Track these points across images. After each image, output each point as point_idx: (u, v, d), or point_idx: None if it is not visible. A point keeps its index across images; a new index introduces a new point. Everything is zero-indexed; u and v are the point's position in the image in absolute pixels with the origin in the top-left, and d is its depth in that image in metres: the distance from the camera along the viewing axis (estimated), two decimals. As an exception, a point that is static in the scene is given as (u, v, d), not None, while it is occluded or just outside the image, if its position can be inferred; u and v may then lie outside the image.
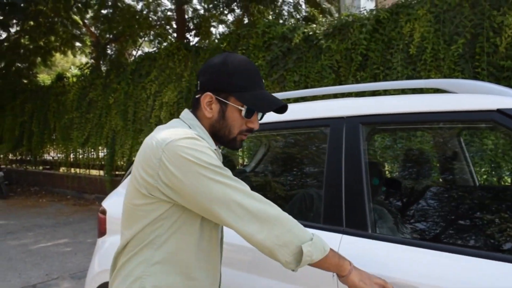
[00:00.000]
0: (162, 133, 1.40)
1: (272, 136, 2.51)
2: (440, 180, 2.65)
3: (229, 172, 1.38)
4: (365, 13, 6.64)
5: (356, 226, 1.74)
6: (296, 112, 2.13)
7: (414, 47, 5.77)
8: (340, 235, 1.75)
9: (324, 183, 1.87)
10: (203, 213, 1.38)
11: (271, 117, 2.19)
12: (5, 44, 13.81)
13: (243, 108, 1.46)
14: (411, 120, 1.79)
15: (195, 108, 1.54)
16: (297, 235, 1.35)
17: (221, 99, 1.47)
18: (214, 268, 1.55)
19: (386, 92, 4.71)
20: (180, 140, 1.35)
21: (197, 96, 1.52)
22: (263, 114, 1.55)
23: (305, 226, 1.85)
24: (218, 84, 1.47)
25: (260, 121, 2.21)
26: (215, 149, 1.47)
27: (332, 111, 1.98)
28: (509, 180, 4.61)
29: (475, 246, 1.96)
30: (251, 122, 1.51)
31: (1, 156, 16.64)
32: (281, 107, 1.51)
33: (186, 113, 1.55)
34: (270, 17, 10.78)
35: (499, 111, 1.57)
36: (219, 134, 1.51)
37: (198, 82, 1.53)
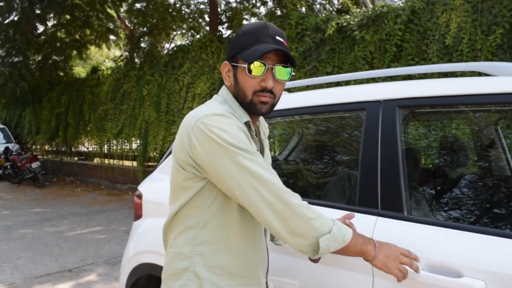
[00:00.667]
0: (196, 111, 1.45)
1: (308, 120, 2.51)
2: (476, 168, 2.60)
3: (254, 154, 1.35)
4: (400, 4, 6.54)
5: (392, 209, 1.73)
6: (332, 96, 2.13)
7: (450, 37, 5.67)
8: (375, 217, 1.75)
9: (360, 166, 1.87)
10: (227, 193, 1.40)
11: (307, 101, 2.21)
12: (42, 37, 14.13)
13: (245, 65, 1.43)
14: (449, 103, 1.77)
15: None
16: (315, 228, 1.32)
17: (232, 63, 1.49)
18: (261, 247, 1.56)
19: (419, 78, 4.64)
20: (206, 117, 1.37)
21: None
22: (289, 73, 1.49)
23: (342, 208, 1.87)
24: (230, 50, 1.50)
25: (296, 106, 2.24)
26: (247, 122, 1.48)
27: (368, 95, 1.97)
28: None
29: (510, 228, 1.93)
30: (263, 81, 1.44)
31: (38, 146, 17.10)
32: (290, 61, 1.47)
33: (222, 89, 1.57)
34: (303, 9, 10.72)
35: (541, 93, 1.54)
36: (239, 101, 1.50)
37: None
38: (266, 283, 1.61)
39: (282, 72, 1.46)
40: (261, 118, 1.67)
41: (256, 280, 1.53)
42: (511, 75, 1.73)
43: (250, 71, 1.42)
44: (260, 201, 1.32)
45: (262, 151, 1.61)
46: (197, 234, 1.46)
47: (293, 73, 1.51)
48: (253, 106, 1.47)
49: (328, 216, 1.38)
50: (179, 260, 1.48)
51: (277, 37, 1.45)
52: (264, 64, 1.41)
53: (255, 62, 1.41)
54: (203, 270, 1.44)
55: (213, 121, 1.36)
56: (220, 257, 1.45)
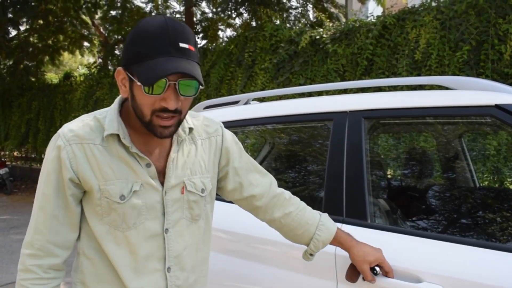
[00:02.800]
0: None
1: (276, 130, 2.57)
2: (439, 179, 2.70)
3: (47, 186, 1.30)
4: (372, 19, 6.70)
5: (356, 216, 1.79)
6: (300, 106, 2.19)
7: (420, 53, 5.82)
8: (340, 224, 1.80)
9: (326, 174, 1.93)
10: None
11: (275, 111, 2.26)
12: (14, 41, 13.92)
13: (140, 84, 1.17)
14: (412, 114, 1.85)
15: None
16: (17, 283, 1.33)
17: (128, 73, 1.22)
18: (147, 277, 1.42)
19: (388, 90, 4.76)
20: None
21: None
22: (197, 87, 1.23)
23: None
24: (124, 55, 1.22)
25: (265, 115, 2.28)
26: (112, 134, 1.27)
27: (335, 106, 2.03)
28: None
29: (471, 236, 2.01)
30: (163, 100, 1.19)
31: (7, 152, 16.75)
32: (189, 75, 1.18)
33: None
34: (278, 21, 10.84)
35: (497, 106, 1.63)
36: (138, 117, 1.25)
37: None
38: None
39: (187, 87, 1.21)
40: (201, 118, 1.50)
41: None
42: (469, 89, 1.81)
43: (146, 89, 1.17)
44: None
45: (164, 160, 1.37)
46: (80, 260, 1.38)
47: (201, 87, 1.24)
48: (152, 128, 1.23)
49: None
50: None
51: (181, 44, 1.19)
52: (165, 80, 1.16)
53: None
54: None
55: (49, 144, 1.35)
56: (100, 286, 1.35)
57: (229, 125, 2.11)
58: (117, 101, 1.34)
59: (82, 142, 1.27)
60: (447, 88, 1.91)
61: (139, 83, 1.17)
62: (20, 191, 13.00)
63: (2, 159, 14.70)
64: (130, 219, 1.30)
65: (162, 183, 1.34)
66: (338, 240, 1.59)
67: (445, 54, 5.63)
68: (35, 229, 1.31)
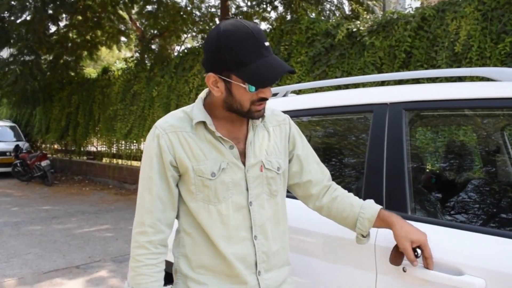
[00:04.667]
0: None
1: (317, 122, 2.56)
2: (480, 172, 2.64)
3: (144, 176, 1.53)
4: (411, 11, 6.59)
5: (396, 208, 1.78)
6: (339, 98, 2.18)
7: (460, 45, 5.69)
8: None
9: (366, 167, 1.92)
10: None
11: (314, 103, 2.26)
12: (54, 37, 14.27)
13: (245, 86, 1.41)
14: (454, 106, 1.82)
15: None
16: (128, 274, 1.54)
17: (223, 78, 1.43)
18: (241, 243, 1.58)
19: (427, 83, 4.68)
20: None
21: (204, 75, 1.56)
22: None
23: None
24: (215, 63, 1.42)
25: (304, 107, 2.29)
26: (200, 121, 1.50)
27: (376, 97, 2.02)
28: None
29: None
30: (262, 93, 1.45)
31: (48, 145, 17.26)
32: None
33: (202, 92, 1.61)
34: (313, 14, 10.78)
35: (544, 97, 1.58)
36: (233, 108, 1.48)
37: (202, 60, 1.52)
38: (258, 280, 1.55)
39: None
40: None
41: (237, 278, 1.52)
42: (515, 81, 1.77)
43: (251, 89, 1.41)
44: None
45: (243, 143, 1.57)
46: (180, 236, 1.58)
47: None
48: (250, 114, 1.48)
49: (142, 281, 1.48)
50: (174, 261, 1.60)
51: (266, 43, 1.42)
52: None
53: None
54: (187, 269, 1.54)
55: (149, 134, 1.56)
56: (199, 257, 1.53)
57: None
58: (200, 97, 1.58)
59: (176, 130, 1.51)
60: (490, 80, 1.87)
61: (243, 85, 1.40)
62: (61, 183, 13.39)
63: (44, 151, 15.14)
64: (221, 194, 1.50)
65: (244, 163, 1.54)
66: (382, 218, 1.61)
67: (487, 46, 5.49)
68: (145, 209, 1.51)
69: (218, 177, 1.49)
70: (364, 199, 1.86)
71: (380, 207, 1.64)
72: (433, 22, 6.13)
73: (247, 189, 1.54)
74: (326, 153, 2.57)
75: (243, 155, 1.55)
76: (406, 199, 1.77)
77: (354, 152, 2.43)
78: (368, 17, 7.29)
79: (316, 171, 1.73)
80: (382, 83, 5.07)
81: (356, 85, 4.21)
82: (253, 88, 1.40)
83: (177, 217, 1.59)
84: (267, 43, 1.41)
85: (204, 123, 1.51)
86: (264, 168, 1.57)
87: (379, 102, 1.97)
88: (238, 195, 1.52)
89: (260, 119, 1.58)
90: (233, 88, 1.44)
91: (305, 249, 2.00)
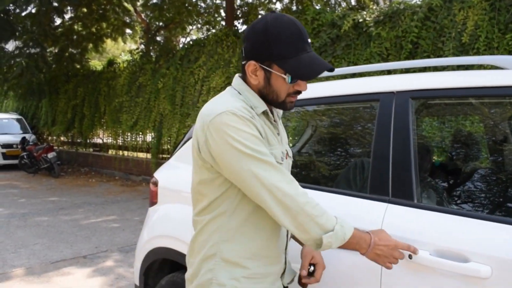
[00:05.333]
0: (209, 106, 1.53)
1: (323, 110, 2.56)
2: (486, 161, 2.64)
3: (263, 156, 1.41)
4: (417, 1, 6.54)
5: (402, 196, 1.78)
6: (345, 87, 2.18)
7: (467, 35, 5.66)
8: (385, 204, 1.80)
9: (372, 154, 1.92)
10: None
11: (320, 92, 2.26)
12: (60, 30, 14.29)
13: (286, 76, 1.47)
14: (461, 94, 1.81)
15: (243, 73, 1.57)
16: (320, 225, 1.40)
17: (264, 67, 1.49)
18: (280, 226, 1.62)
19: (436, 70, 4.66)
20: (220, 115, 1.42)
21: (242, 63, 1.56)
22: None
23: (353, 195, 1.92)
24: (260, 52, 1.48)
25: (310, 96, 2.29)
26: (265, 111, 1.54)
27: (382, 86, 2.01)
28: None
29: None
30: (298, 85, 1.52)
31: (54, 137, 17.32)
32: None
33: (236, 79, 1.61)
34: (319, 5, 10.73)
35: (552, 85, 1.58)
36: (268, 98, 1.54)
37: (243, 47, 1.56)
38: (285, 258, 1.69)
39: None
40: None
41: (278, 258, 1.62)
42: (523, 68, 1.76)
43: (293, 81, 1.48)
44: (270, 201, 1.40)
45: (278, 133, 1.64)
46: (225, 222, 1.53)
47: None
48: (283, 105, 1.55)
49: (332, 214, 1.45)
50: (208, 246, 1.55)
51: (308, 40, 1.49)
52: None
53: None
54: (231, 255, 1.52)
55: (227, 120, 1.41)
56: (247, 242, 1.53)
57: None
58: (245, 85, 1.57)
59: (253, 116, 1.49)
60: (498, 69, 1.86)
61: (283, 76, 1.46)
62: (67, 175, 13.45)
63: (50, 143, 15.21)
64: None
65: None
66: None
67: (494, 37, 5.45)
68: (289, 180, 1.44)
69: (284, 161, 1.58)
70: (370, 187, 1.87)
71: None
72: (440, 12, 6.09)
73: None
74: (332, 143, 2.57)
75: None
76: (412, 187, 1.77)
77: (360, 141, 2.43)
78: (374, 7, 7.24)
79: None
80: (389, 73, 5.04)
81: (362, 75, 4.20)
82: (294, 80, 1.47)
83: (228, 200, 1.53)
84: (309, 40, 1.49)
85: (263, 112, 1.55)
86: (288, 156, 1.67)
87: (386, 91, 1.97)
88: None
89: (282, 111, 1.69)
90: (272, 78, 1.50)
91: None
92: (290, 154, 1.71)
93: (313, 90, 2.33)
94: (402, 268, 1.67)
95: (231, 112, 1.42)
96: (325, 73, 2.56)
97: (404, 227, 1.71)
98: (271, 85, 1.51)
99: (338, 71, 2.45)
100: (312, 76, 1.46)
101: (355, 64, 6.86)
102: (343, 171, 2.37)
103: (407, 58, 6.31)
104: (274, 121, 1.61)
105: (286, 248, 1.69)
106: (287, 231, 1.66)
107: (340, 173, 2.36)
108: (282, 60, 1.45)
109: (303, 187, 2.05)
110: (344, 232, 1.43)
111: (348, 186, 2.24)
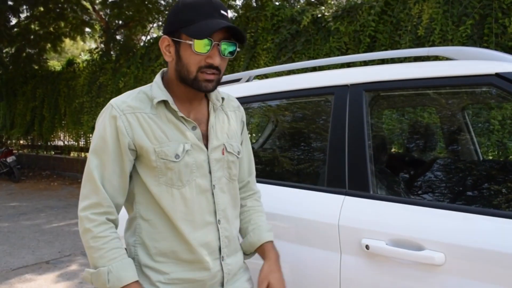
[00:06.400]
0: None
1: (278, 107, 2.57)
2: (440, 150, 2.71)
3: (105, 154, 1.42)
4: (374, -5, 6.65)
5: (358, 188, 1.80)
6: (301, 81, 2.19)
7: (423, 28, 5.78)
8: (342, 196, 1.82)
9: (328, 148, 1.94)
10: None
11: (276, 87, 2.27)
12: (16, 29, 13.90)
13: (191, 42, 1.37)
14: (413, 85, 1.84)
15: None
16: (89, 255, 1.39)
17: (174, 39, 1.42)
18: (204, 229, 1.54)
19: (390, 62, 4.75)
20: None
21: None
22: (235, 49, 1.45)
23: (312, 189, 1.94)
24: (170, 24, 1.43)
25: (266, 91, 2.29)
26: (164, 101, 1.45)
27: (336, 79, 2.03)
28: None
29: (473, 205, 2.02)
30: (209, 57, 1.40)
31: (13, 141, 16.85)
32: (240, 37, 1.43)
33: (160, 71, 1.58)
34: (278, 2, 10.76)
35: (497, 75, 1.62)
36: (182, 77, 1.44)
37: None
38: (221, 265, 1.53)
39: (228, 48, 1.43)
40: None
41: (200, 264, 1.48)
42: (470, 59, 1.81)
43: (196, 47, 1.37)
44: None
45: (204, 124, 1.55)
46: (136, 224, 1.49)
47: (238, 49, 1.47)
48: (197, 83, 1.43)
49: (116, 255, 1.38)
50: (128, 251, 1.50)
51: (222, 11, 1.41)
52: (211, 41, 1.37)
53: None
54: (146, 258, 1.47)
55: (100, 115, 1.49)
56: (159, 244, 1.46)
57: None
58: (158, 75, 1.54)
59: (135, 111, 1.44)
60: (449, 59, 1.91)
61: (189, 42, 1.37)
62: (28, 179, 13.10)
63: (9, 147, 14.78)
64: (184, 177, 1.45)
65: (206, 146, 1.51)
66: (262, 250, 1.66)
67: (448, 29, 5.59)
68: (95, 192, 1.42)
69: (182, 159, 1.43)
70: (327, 180, 1.89)
71: (270, 240, 1.67)
72: (396, 6, 6.20)
73: (210, 172, 1.50)
74: (290, 137, 2.59)
75: (205, 138, 1.51)
76: (368, 179, 1.80)
77: (317, 135, 2.45)
78: (332, 2, 7.33)
79: (244, 169, 1.75)
80: (347, 66, 5.12)
81: (321, 68, 4.24)
82: (199, 48, 1.37)
83: (133, 204, 1.50)
84: (224, 12, 1.42)
85: (165, 102, 1.46)
86: (226, 151, 1.55)
87: (340, 84, 1.99)
88: (201, 178, 1.48)
89: (221, 101, 1.59)
90: (181, 49, 1.42)
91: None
92: (235, 149, 1.59)
93: (272, 84, 2.34)
94: (360, 260, 1.69)
95: (109, 106, 1.46)
96: (284, 67, 2.59)
97: (360, 219, 1.74)
98: (181, 58, 1.42)
99: (298, 65, 2.47)
100: (207, 32, 1.35)
101: (315, 58, 6.91)
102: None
103: (365, 51, 6.40)
104: (181, 118, 1.48)
105: (221, 255, 1.53)
106: (219, 237, 1.52)
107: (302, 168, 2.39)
108: (188, 27, 1.38)
109: (265, 182, 2.07)
110: (111, 279, 1.35)
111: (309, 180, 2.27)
